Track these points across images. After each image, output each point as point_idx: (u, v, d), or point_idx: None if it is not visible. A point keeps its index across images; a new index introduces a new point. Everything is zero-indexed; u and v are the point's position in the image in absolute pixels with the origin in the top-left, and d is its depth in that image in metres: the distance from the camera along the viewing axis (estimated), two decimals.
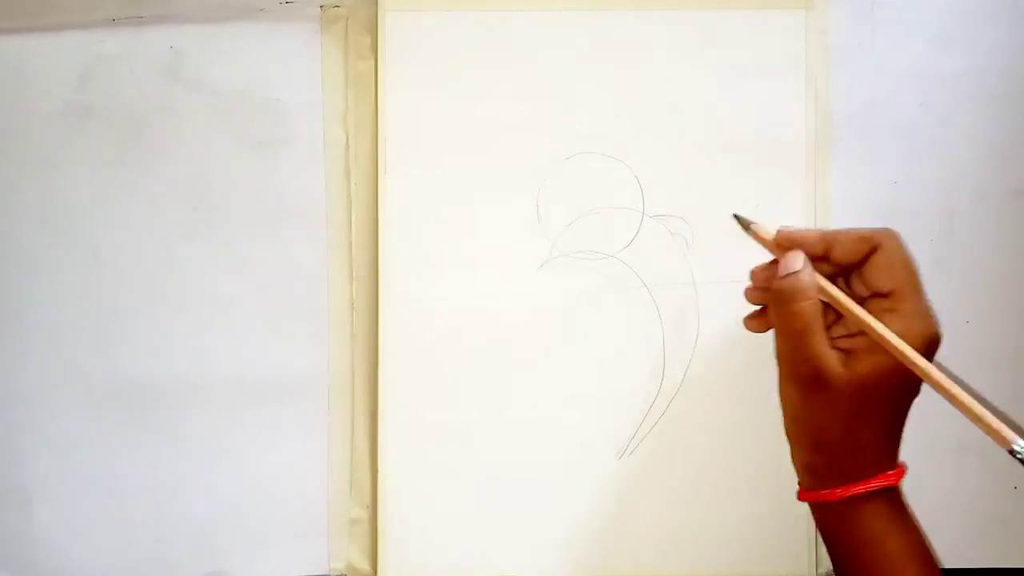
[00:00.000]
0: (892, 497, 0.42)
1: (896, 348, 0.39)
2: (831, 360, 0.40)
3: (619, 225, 0.51)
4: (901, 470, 0.42)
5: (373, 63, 0.51)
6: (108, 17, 0.51)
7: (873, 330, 0.40)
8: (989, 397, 0.53)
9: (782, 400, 0.42)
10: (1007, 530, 0.53)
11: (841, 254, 0.41)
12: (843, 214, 0.52)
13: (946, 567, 0.52)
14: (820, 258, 0.42)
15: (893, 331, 0.39)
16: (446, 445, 0.51)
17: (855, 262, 0.41)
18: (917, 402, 0.52)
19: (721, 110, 0.51)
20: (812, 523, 0.51)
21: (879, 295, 0.41)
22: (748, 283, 0.44)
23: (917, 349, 0.39)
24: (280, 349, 0.51)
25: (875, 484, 0.41)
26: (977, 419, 0.39)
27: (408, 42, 0.51)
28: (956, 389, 0.39)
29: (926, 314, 0.40)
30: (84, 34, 0.51)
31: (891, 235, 0.41)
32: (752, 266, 0.48)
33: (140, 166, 0.51)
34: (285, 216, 0.51)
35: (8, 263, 0.51)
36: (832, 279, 0.42)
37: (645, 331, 0.51)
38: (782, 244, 0.42)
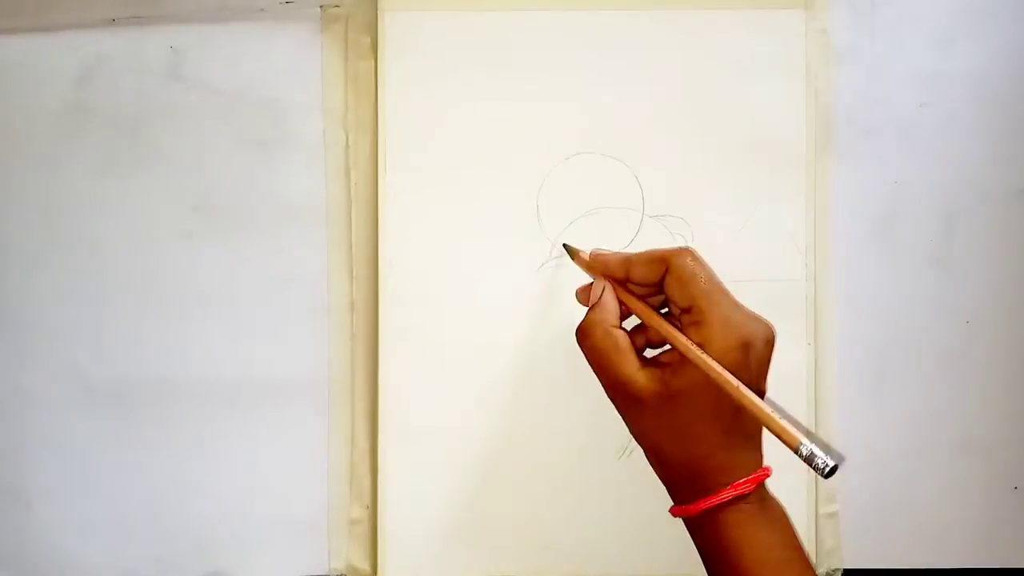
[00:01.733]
0: (753, 504, 0.42)
1: (692, 354, 0.41)
2: (639, 379, 0.42)
3: (619, 225, 0.51)
4: (756, 477, 0.42)
5: (373, 63, 0.51)
6: (108, 17, 0.51)
7: (676, 340, 0.42)
8: (989, 397, 0.53)
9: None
10: (1007, 530, 0.53)
11: (639, 276, 0.44)
12: (843, 214, 0.52)
13: (946, 567, 0.53)
14: (625, 280, 0.45)
15: (695, 342, 0.41)
16: (446, 445, 0.51)
17: (654, 283, 0.44)
18: (917, 402, 0.53)
19: (721, 110, 0.51)
20: (809, 524, 0.51)
21: (685, 311, 0.43)
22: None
23: (722, 356, 0.41)
24: (280, 349, 0.51)
25: (725, 495, 0.41)
26: (767, 421, 0.40)
27: (408, 42, 0.51)
28: (746, 391, 0.40)
29: (730, 321, 0.42)
30: (84, 34, 0.51)
31: (681, 253, 0.43)
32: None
33: (140, 166, 0.51)
34: (285, 216, 0.51)
35: (8, 263, 0.51)
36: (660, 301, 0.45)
37: None
38: (593, 265, 0.47)
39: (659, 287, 0.44)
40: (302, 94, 0.51)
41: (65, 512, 0.51)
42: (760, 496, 0.43)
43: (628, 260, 0.45)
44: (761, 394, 0.43)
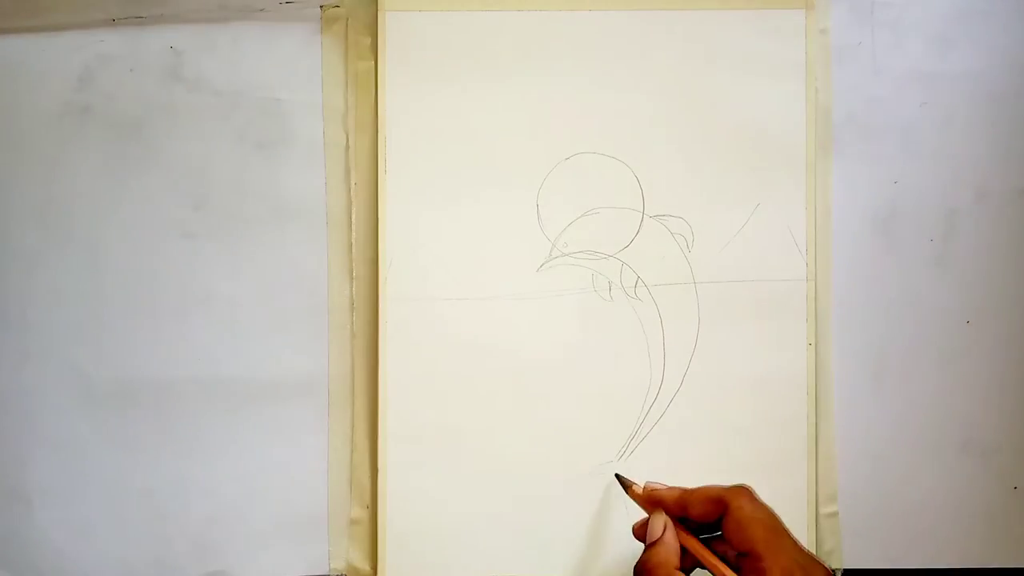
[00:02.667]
0: None
1: None
2: None
3: (619, 225, 0.51)
4: None
5: (373, 63, 0.51)
6: (108, 17, 0.51)
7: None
8: (989, 397, 0.53)
9: None
10: (1007, 530, 0.53)
11: (697, 514, 0.43)
12: (843, 214, 0.52)
13: (946, 567, 0.53)
14: (680, 516, 0.44)
15: None
16: (446, 445, 0.51)
17: (712, 522, 0.43)
18: (917, 402, 0.53)
19: (721, 110, 0.51)
20: (809, 524, 0.51)
21: (743, 555, 0.41)
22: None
23: None
24: (280, 349, 0.51)
25: None
26: None
27: (408, 42, 0.51)
28: None
29: (787, 569, 0.40)
30: (84, 34, 0.51)
31: (739, 493, 0.42)
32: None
33: (140, 166, 0.51)
34: (285, 216, 0.51)
35: (8, 263, 0.51)
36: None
37: (645, 331, 0.51)
38: (648, 499, 0.45)
39: (715, 524, 0.43)
40: (302, 94, 0.51)
41: (65, 512, 0.51)
42: None
43: (684, 498, 0.43)
44: None
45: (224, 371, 0.51)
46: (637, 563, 0.43)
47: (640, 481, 0.46)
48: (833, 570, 0.52)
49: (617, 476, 0.48)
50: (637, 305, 0.51)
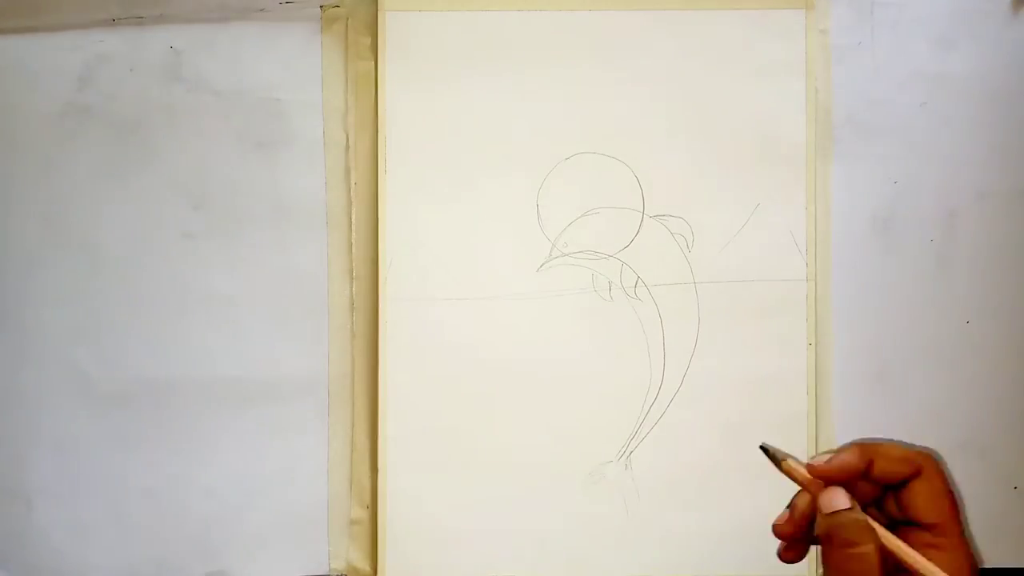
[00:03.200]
0: None
1: None
2: None
3: (619, 225, 0.51)
4: None
5: (373, 63, 0.51)
6: (108, 17, 0.51)
7: (927, 569, 0.36)
8: (989, 397, 0.53)
9: None
10: (1007, 530, 0.53)
11: (881, 473, 0.38)
12: (843, 214, 0.52)
13: None
14: (860, 473, 0.38)
15: (941, 567, 0.36)
16: (446, 445, 0.51)
17: (894, 483, 0.38)
18: (917, 402, 0.53)
19: (721, 110, 0.51)
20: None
21: (917, 525, 0.37)
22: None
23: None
24: (280, 349, 0.51)
25: None
26: None
27: (408, 42, 0.51)
28: None
29: (969, 549, 0.37)
30: (84, 34, 0.51)
31: (933, 459, 0.38)
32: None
33: (140, 166, 0.51)
34: (285, 216, 0.51)
35: (8, 263, 0.51)
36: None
37: (645, 331, 0.51)
38: (821, 478, 0.38)
39: (893, 485, 0.38)
40: (302, 94, 0.51)
41: (65, 512, 0.51)
42: None
43: (870, 451, 0.37)
44: None
45: (224, 371, 0.51)
46: (841, 519, 0.36)
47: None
48: None
49: (763, 448, 0.39)
50: (637, 305, 0.51)
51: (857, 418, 0.52)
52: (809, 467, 0.38)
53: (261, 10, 0.51)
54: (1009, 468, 0.53)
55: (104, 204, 0.51)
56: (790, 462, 0.38)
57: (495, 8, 0.51)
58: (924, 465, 0.38)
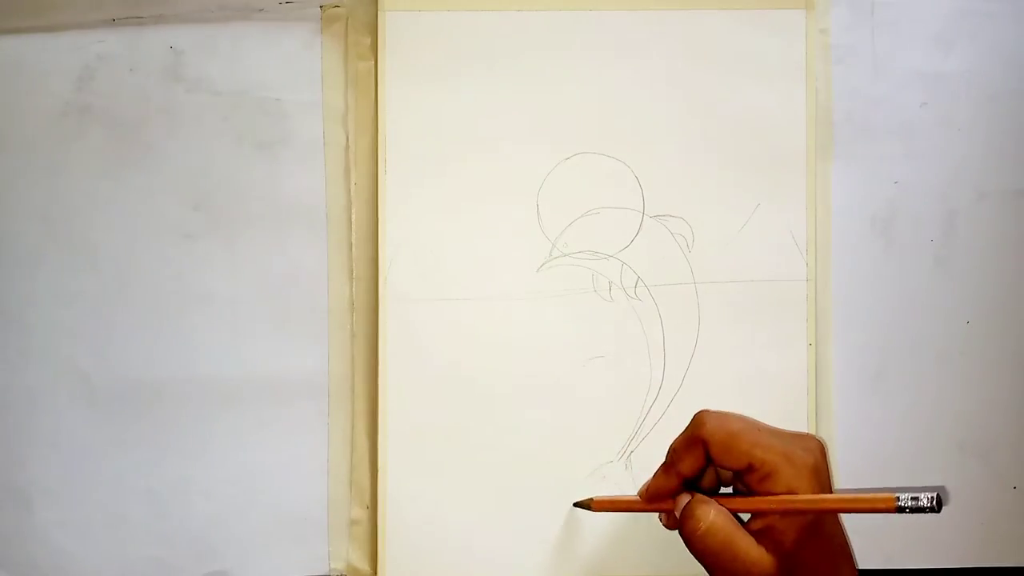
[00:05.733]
0: None
1: (786, 505, 0.40)
2: (755, 556, 0.40)
3: (619, 225, 0.51)
4: None
5: (373, 63, 0.51)
6: (108, 17, 0.51)
7: (769, 504, 0.40)
8: (989, 397, 0.53)
9: None
10: (1007, 530, 0.53)
11: (689, 467, 0.42)
12: (843, 214, 0.52)
13: (946, 567, 0.52)
14: (683, 480, 0.43)
15: (783, 492, 0.40)
16: (446, 445, 0.51)
17: (703, 465, 0.42)
18: (917, 402, 0.53)
19: (721, 110, 0.51)
20: None
21: (746, 472, 0.41)
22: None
23: (807, 487, 0.40)
24: (280, 349, 0.51)
25: None
26: (858, 506, 0.40)
27: (408, 42, 0.51)
28: (827, 496, 0.40)
29: (789, 455, 0.40)
30: (84, 34, 0.51)
31: (702, 419, 0.42)
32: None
33: (140, 166, 0.51)
34: (285, 216, 0.51)
35: (8, 263, 0.51)
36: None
37: (645, 331, 0.51)
38: (651, 497, 0.44)
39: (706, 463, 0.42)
40: (302, 94, 0.51)
41: (65, 512, 0.51)
42: None
43: (669, 465, 0.43)
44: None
45: (224, 371, 0.51)
46: (680, 525, 0.41)
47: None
48: None
49: (580, 504, 0.49)
50: (637, 305, 0.51)
51: (857, 418, 0.52)
52: (642, 494, 0.45)
53: (261, 10, 0.51)
54: (1009, 468, 0.53)
55: (104, 204, 0.51)
56: (600, 500, 0.47)
57: (495, 8, 0.51)
58: (702, 433, 0.41)
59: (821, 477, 0.40)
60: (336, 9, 0.52)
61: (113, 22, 0.51)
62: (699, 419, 0.42)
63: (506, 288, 0.51)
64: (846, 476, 0.52)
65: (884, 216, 0.52)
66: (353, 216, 0.52)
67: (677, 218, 0.51)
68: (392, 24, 0.51)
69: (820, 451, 0.41)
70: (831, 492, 0.41)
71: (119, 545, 0.51)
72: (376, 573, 0.51)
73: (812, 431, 0.51)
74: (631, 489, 0.51)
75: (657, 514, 0.45)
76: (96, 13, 0.51)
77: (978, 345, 0.52)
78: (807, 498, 0.39)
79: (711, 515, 0.40)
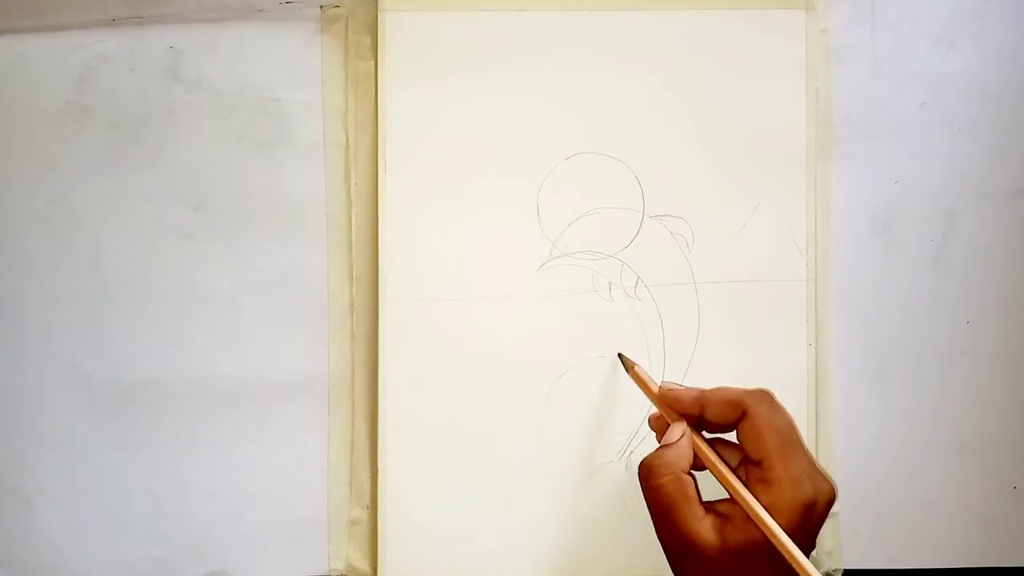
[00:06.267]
0: None
1: (756, 517, 0.39)
2: (702, 532, 0.39)
3: (619, 225, 0.51)
4: None
5: (373, 63, 0.51)
6: (108, 17, 0.51)
7: (742, 501, 0.40)
8: (989, 397, 0.53)
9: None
10: (1007, 530, 0.53)
11: (714, 416, 0.42)
12: (843, 214, 0.52)
13: (946, 567, 0.53)
14: (696, 417, 0.43)
15: (762, 502, 0.39)
16: (446, 445, 0.51)
17: (728, 425, 0.42)
18: (917, 402, 0.53)
19: (721, 110, 0.51)
20: None
21: (754, 463, 0.40)
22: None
23: (787, 519, 0.39)
24: (280, 349, 0.51)
25: None
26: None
27: (408, 42, 0.51)
28: (803, 561, 0.38)
29: (799, 483, 0.39)
30: (84, 34, 0.51)
31: (759, 397, 0.41)
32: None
33: (140, 166, 0.51)
34: (285, 216, 0.51)
35: (8, 263, 0.51)
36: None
37: (645, 331, 0.51)
38: (663, 399, 0.44)
39: (729, 427, 0.42)
40: (302, 94, 0.51)
41: (65, 512, 0.51)
42: None
43: (703, 398, 0.42)
44: (810, 549, 0.40)
45: (224, 371, 0.51)
46: (645, 459, 0.42)
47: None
48: (833, 571, 0.52)
49: (620, 356, 0.48)
50: (637, 305, 0.51)
51: (857, 418, 0.52)
52: (660, 388, 0.44)
53: (261, 10, 0.51)
54: (1009, 468, 0.53)
55: (104, 204, 0.51)
56: (640, 369, 0.46)
57: (495, 8, 0.51)
58: (749, 406, 0.40)
59: (811, 518, 0.39)
60: (336, 9, 0.51)
61: (113, 22, 0.51)
62: (761, 393, 0.41)
63: (506, 288, 0.51)
64: (846, 476, 0.52)
65: (884, 216, 0.52)
66: (353, 216, 0.52)
67: (677, 218, 0.51)
68: (392, 24, 0.51)
69: (826, 498, 0.40)
70: (812, 536, 0.40)
71: (119, 545, 0.51)
72: (376, 573, 0.51)
73: (812, 431, 0.51)
74: (631, 489, 0.51)
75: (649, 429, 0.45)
76: (96, 13, 0.51)
77: (978, 345, 0.52)
78: (769, 524, 0.38)
79: (666, 484, 0.40)
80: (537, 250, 0.51)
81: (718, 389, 0.42)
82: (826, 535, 0.51)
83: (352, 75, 0.52)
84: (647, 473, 0.41)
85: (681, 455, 0.41)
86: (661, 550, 0.42)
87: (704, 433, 0.43)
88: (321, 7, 0.51)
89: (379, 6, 0.51)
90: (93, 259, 0.51)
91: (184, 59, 0.51)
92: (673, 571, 0.41)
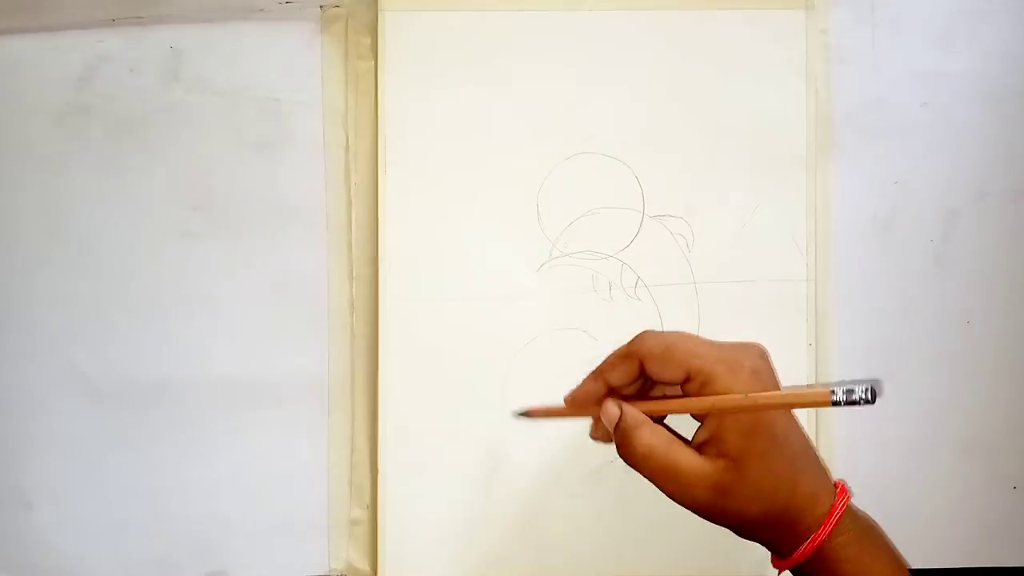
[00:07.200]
0: (853, 528, 0.41)
1: (722, 403, 0.39)
2: (705, 466, 0.40)
3: (619, 225, 0.51)
4: (838, 500, 0.41)
5: (373, 63, 0.51)
6: (108, 17, 0.51)
7: (702, 404, 0.40)
8: (989, 397, 0.53)
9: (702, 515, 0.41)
10: (1007, 530, 0.53)
11: (620, 378, 0.42)
12: (843, 214, 0.52)
13: (946, 567, 0.53)
14: (612, 390, 0.42)
15: (715, 393, 0.39)
16: (446, 445, 0.51)
17: (637, 377, 0.42)
18: (917, 402, 0.53)
19: (721, 110, 0.51)
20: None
21: (685, 383, 0.40)
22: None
23: (747, 383, 0.39)
24: (280, 349, 0.51)
25: (823, 533, 0.40)
26: (795, 401, 0.39)
27: (408, 42, 0.51)
28: (761, 394, 0.39)
29: (728, 362, 0.40)
30: (84, 34, 0.51)
31: (642, 337, 0.41)
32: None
33: (140, 166, 0.51)
34: (285, 216, 0.51)
35: (8, 263, 0.51)
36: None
37: None
38: (578, 403, 0.43)
39: (640, 379, 0.42)
40: (302, 94, 0.51)
41: (65, 512, 0.51)
42: (853, 515, 0.41)
43: (599, 372, 0.42)
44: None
45: (224, 371, 0.51)
46: (618, 446, 0.41)
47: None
48: None
49: (523, 414, 0.47)
50: (637, 305, 0.51)
51: (857, 418, 0.52)
52: (565, 399, 0.44)
53: (261, 10, 0.51)
54: (1009, 468, 0.53)
55: (104, 204, 0.51)
56: (536, 408, 0.46)
57: (495, 8, 0.51)
58: (639, 350, 0.41)
59: (761, 379, 0.40)
60: (336, 9, 0.52)
61: (113, 22, 0.51)
62: (639, 336, 0.42)
63: (506, 288, 0.51)
64: (846, 476, 0.52)
65: (884, 216, 0.52)
66: (353, 216, 0.52)
67: (677, 218, 0.51)
68: (392, 24, 0.51)
69: (760, 355, 0.41)
70: (775, 383, 0.41)
71: (119, 545, 0.51)
72: (376, 573, 0.51)
73: (812, 431, 0.51)
74: (631, 489, 0.51)
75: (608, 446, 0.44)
76: (96, 13, 0.51)
77: (978, 345, 0.52)
78: (738, 397, 0.39)
79: (646, 438, 0.40)
80: (537, 250, 0.51)
81: (608, 356, 0.42)
82: None
83: (352, 75, 0.52)
84: (627, 453, 0.41)
85: (632, 421, 0.41)
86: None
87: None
88: (321, 7, 0.51)
89: (379, 6, 0.51)
90: (93, 259, 0.51)
91: (184, 59, 0.51)
92: (703, 515, 0.41)
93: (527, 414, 0.47)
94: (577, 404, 0.43)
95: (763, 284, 0.51)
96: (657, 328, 0.51)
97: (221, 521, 0.51)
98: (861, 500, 0.52)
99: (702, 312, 0.51)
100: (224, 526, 0.51)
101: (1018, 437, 0.53)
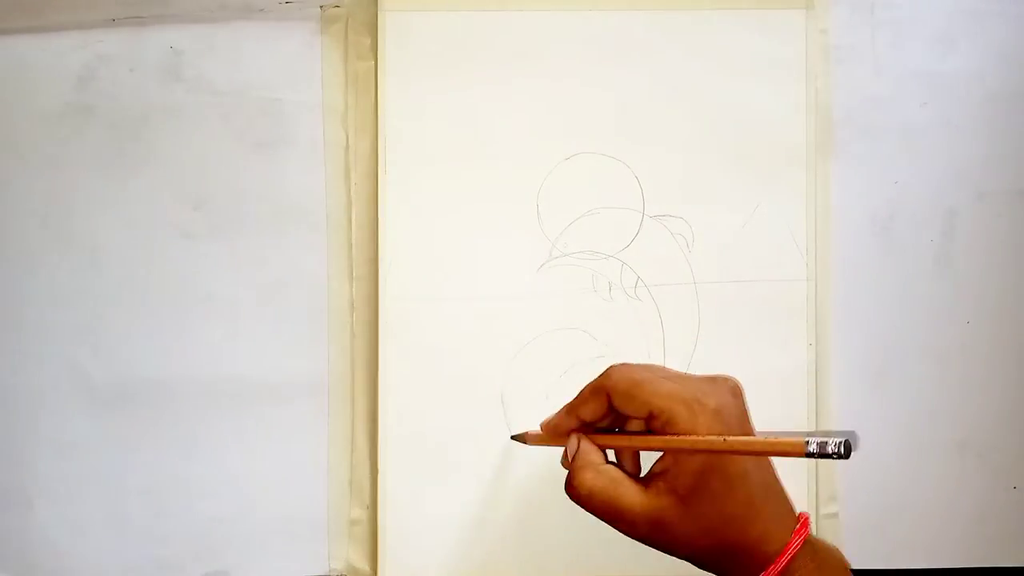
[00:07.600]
0: (806, 561, 0.40)
1: (678, 444, 0.39)
2: (649, 500, 0.40)
3: (619, 225, 0.51)
4: (799, 529, 0.40)
5: (373, 63, 0.51)
6: (108, 17, 0.51)
7: (659, 443, 0.40)
8: (989, 397, 0.53)
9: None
10: (1006, 530, 0.53)
11: (590, 414, 0.42)
12: (843, 214, 0.52)
13: (946, 567, 0.53)
14: (582, 425, 0.43)
15: (677, 433, 0.39)
16: (446, 445, 0.51)
17: (606, 413, 0.42)
18: (917, 402, 0.53)
19: (721, 110, 0.51)
20: (812, 524, 0.51)
21: (651, 419, 0.40)
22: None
23: (708, 423, 0.39)
24: (280, 349, 0.51)
25: (782, 561, 0.39)
26: (767, 448, 0.38)
27: (408, 43, 0.51)
28: (735, 439, 0.38)
29: (695, 401, 0.39)
30: (84, 34, 0.51)
31: (609, 373, 0.41)
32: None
33: (140, 166, 0.51)
34: (285, 216, 0.51)
35: (8, 263, 0.51)
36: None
37: (645, 331, 0.51)
38: (548, 433, 0.44)
39: (613, 413, 0.42)
40: (302, 94, 0.51)
41: (65, 512, 0.51)
42: (813, 550, 0.40)
43: (572, 407, 0.43)
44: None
45: (224, 371, 0.51)
46: (566, 485, 0.42)
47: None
48: None
49: (512, 438, 0.49)
50: (637, 305, 0.51)
51: (857, 418, 0.52)
52: (542, 427, 0.45)
53: (261, 10, 0.51)
54: (1008, 468, 0.53)
55: (104, 204, 0.51)
56: (531, 433, 0.46)
57: (495, 8, 0.51)
58: (607, 385, 0.41)
59: (723, 420, 0.39)
60: (336, 9, 0.51)
61: (113, 22, 0.51)
62: (607, 371, 0.42)
63: (506, 288, 0.51)
64: (846, 475, 0.52)
65: (884, 216, 0.52)
66: (353, 216, 0.52)
67: (677, 218, 0.51)
68: (392, 24, 0.51)
69: (731, 391, 0.41)
70: (743, 428, 0.41)
71: (119, 545, 0.51)
72: (376, 573, 0.51)
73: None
74: None
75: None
76: (96, 13, 0.51)
77: (978, 345, 0.52)
78: (713, 440, 0.38)
79: (588, 481, 0.41)
80: (537, 250, 0.51)
81: (580, 392, 0.42)
82: (826, 535, 0.51)
83: (352, 75, 0.52)
84: (573, 490, 0.42)
85: (590, 454, 0.42)
86: (659, 554, 0.42)
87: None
88: (321, 7, 0.51)
89: (379, 6, 0.51)
90: (93, 259, 0.51)
91: (184, 59, 0.51)
92: (656, 548, 0.41)
93: (520, 438, 0.48)
94: (550, 434, 0.44)
95: (763, 284, 0.51)
96: (657, 328, 0.51)
97: (221, 521, 0.51)
98: (861, 500, 0.52)
99: (702, 312, 0.51)
100: (224, 526, 0.51)
101: (1017, 437, 0.53)
